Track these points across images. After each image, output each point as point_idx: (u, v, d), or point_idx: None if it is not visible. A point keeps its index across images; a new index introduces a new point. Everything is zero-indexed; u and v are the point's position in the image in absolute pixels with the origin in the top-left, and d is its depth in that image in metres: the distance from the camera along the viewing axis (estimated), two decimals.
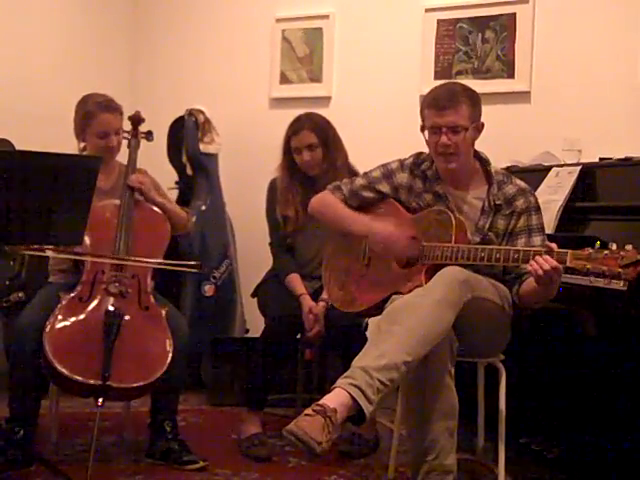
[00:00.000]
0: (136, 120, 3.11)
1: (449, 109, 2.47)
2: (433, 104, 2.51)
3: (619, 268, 2.09)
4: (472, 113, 2.50)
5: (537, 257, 2.22)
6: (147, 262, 2.79)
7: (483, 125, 2.56)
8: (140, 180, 2.94)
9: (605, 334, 2.53)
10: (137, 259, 2.77)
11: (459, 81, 2.83)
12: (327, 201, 2.79)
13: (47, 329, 2.53)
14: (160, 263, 2.83)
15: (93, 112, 2.91)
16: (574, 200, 2.85)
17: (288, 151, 3.22)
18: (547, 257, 2.21)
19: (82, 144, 2.99)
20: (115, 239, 2.79)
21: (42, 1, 4.18)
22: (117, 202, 2.89)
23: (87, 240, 2.73)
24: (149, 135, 3.16)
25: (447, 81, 2.72)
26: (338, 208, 2.75)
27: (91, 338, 2.55)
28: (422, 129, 2.55)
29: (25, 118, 3.80)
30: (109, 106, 2.94)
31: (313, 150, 3.17)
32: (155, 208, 2.95)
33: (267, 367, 3.05)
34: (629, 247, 2.11)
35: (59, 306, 2.61)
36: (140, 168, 3.05)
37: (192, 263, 2.91)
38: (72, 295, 2.66)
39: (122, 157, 3.07)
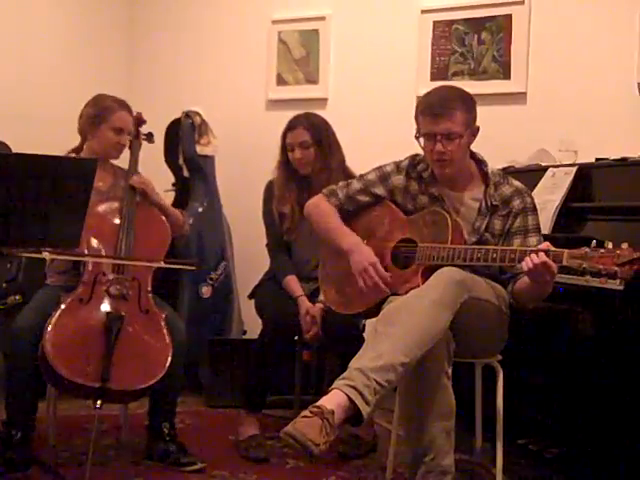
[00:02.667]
0: (138, 121, 3.12)
1: (443, 116, 2.45)
2: (427, 111, 2.49)
3: (615, 266, 2.10)
4: (466, 118, 2.48)
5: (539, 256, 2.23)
6: (146, 263, 2.79)
7: (478, 129, 2.54)
8: (142, 180, 2.95)
9: (602, 334, 2.54)
10: (134, 260, 2.77)
11: (453, 84, 2.81)
12: (321, 209, 2.78)
13: (47, 330, 2.52)
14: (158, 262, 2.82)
15: (113, 107, 2.94)
16: (570, 200, 2.86)
17: (284, 148, 3.23)
18: (540, 253, 2.21)
19: (74, 146, 2.99)
20: (117, 241, 2.79)
21: (39, 3, 4.19)
22: (118, 204, 2.89)
23: (89, 241, 2.73)
24: (150, 137, 3.18)
25: (441, 85, 2.69)
26: (330, 219, 2.73)
27: (91, 340, 2.55)
28: (417, 137, 2.54)
29: (22, 121, 3.80)
30: (126, 106, 2.99)
31: (305, 148, 3.17)
32: (156, 210, 2.96)
33: (265, 369, 3.05)
34: (625, 245, 2.11)
35: (60, 307, 2.61)
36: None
37: (188, 261, 2.91)
38: (73, 296, 2.66)
39: (122, 161, 3.07)
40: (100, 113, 2.93)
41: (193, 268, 3.06)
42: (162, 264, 2.84)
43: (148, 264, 2.79)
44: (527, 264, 2.23)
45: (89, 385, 2.46)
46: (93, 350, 2.52)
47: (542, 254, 2.21)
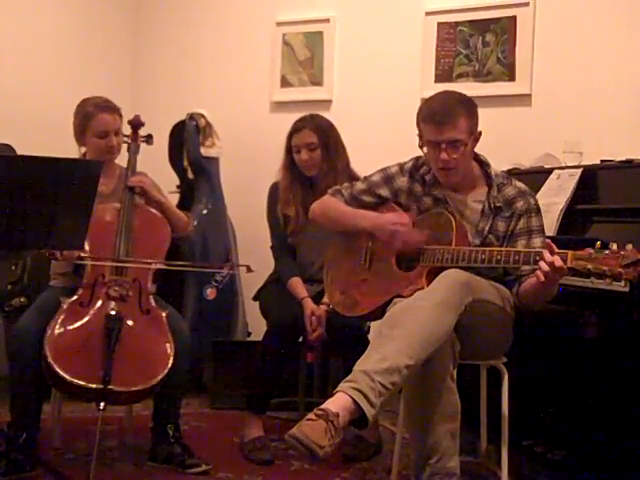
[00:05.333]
0: (136, 124, 3.12)
1: (447, 124, 2.43)
2: (430, 119, 2.47)
3: (620, 268, 2.08)
4: (470, 125, 2.47)
5: (545, 253, 2.20)
6: (181, 265, 2.82)
7: (481, 133, 2.53)
8: (140, 180, 2.95)
9: (608, 336, 2.53)
10: (168, 262, 2.81)
11: (458, 86, 2.80)
12: (329, 203, 2.79)
13: (48, 334, 2.53)
14: (202, 267, 2.81)
15: (92, 113, 2.92)
16: (576, 202, 2.85)
17: (290, 149, 3.23)
18: (554, 255, 2.19)
19: (83, 149, 3.00)
20: (115, 242, 2.80)
21: (43, 7, 4.19)
22: (118, 205, 2.89)
23: (88, 243, 2.73)
24: (149, 139, 3.17)
25: (442, 90, 2.67)
26: (341, 207, 2.74)
27: (92, 342, 2.55)
28: (420, 146, 2.52)
29: (27, 123, 3.81)
30: (107, 106, 2.96)
31: (312, 150, 3.17)
32: (155, 211, 2.95)
33: (269, 370, 3.05)
34: (629, 246, 2.10)
35: (60, 311, 2.61)
36: (140, 171, 3.06)
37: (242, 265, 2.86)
38: (73, 299, 2.66)
39: (122, 161, 3.08)
40: (82, 121, 2.94)
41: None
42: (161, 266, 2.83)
43: (164, 266, 2.80)
44: (542, 267, 2.19)
45: (91, 387, 2.46)
46: (94, 352, 2.52)
47: (556, 257, 2.19)
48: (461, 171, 2.53)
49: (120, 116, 2.99)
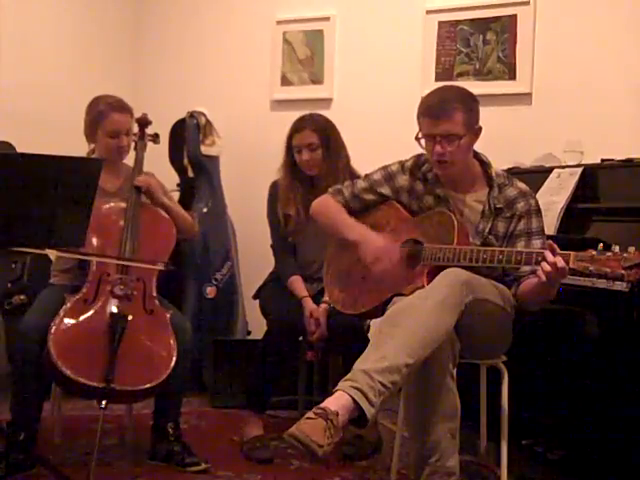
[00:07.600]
0: (143, 122, 3.13)
1: (442, 118, 2.43)
2: (427, 112, 2.48)
3: (622, 270, 2.09)
4: (467, 120, 2.46)
5: (547, 253, 2.20)
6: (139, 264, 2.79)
7: (481, 129, 2.52)
8: (147, 180, 2.95)
9: (607, 335, 2.53)
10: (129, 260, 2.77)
11: (458, 84, 2.80)
12: (327, 206, 2.78)
13: (52, 330, 2.53)
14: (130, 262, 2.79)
15: (105, 112, 2.92)
16: (576, 202, 2.85)
17: (290, 149, 3.22)
18: (557, 257, 2.19)
19: (91, 146, 3.00)
20: (121, 241, 2.79)
21: (45, 5, 4.19)
22: (124, 205, 2.89)
23: (94, 241, 2.73)
24: (156, 137, 3.18)
25: (443, 85, 2.68)
26: (337, 214, 2.73)
27: (95, 340, 2.55)
28: (417, 139, 2.52)
29: (27, 121, 3.81)
30: (120, 106, 2.96)
31: (313, 150, 3.17)
32: (161, 211, 2.95)
33: (269, 369, 3.05)
34: (632, 249, 2.10)
35: (64, 307, 2.61)
36: (147, 171, 3.06)
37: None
38: (77, 297, 2.66)
39: (129, 160, 3.08)
40: (94, 119, 2.93)
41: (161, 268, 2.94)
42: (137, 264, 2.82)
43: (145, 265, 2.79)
44: (544, 267, 2.19)
45: (93, 385, 2.47)
46: (97, 350, 2.52)
47: (559, 257, 2.19)
48: (457, 165, 2.52)
49: (132, 116, 3.00)
